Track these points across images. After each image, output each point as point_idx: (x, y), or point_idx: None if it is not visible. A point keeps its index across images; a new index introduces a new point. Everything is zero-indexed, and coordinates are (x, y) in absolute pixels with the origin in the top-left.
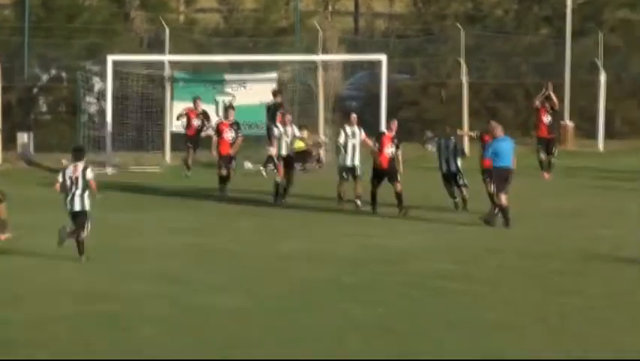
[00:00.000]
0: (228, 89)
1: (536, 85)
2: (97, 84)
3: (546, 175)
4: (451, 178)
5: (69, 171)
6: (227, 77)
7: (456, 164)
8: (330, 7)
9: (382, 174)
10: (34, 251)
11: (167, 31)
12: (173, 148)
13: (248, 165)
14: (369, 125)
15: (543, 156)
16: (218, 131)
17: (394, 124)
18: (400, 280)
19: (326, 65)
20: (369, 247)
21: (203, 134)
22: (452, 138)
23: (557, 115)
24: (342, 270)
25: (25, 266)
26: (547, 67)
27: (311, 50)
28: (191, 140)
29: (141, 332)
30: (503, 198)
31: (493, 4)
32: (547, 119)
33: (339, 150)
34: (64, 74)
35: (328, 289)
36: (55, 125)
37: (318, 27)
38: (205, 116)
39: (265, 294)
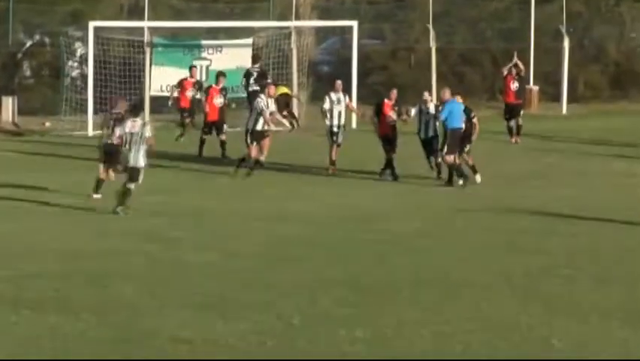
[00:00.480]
0: (205, 54)
1: (502, 50)
2: (79, 49)
3: (514, 139)
4: (428, 143)
5: (128, 126)
6: (204, 42)
7: (435, 128)
8: None
9: (389, 139)
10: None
11: None
12: (152, 111)
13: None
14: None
15: (512, 122)
16: (208, 95)
17: (394, 93)
18: (372, 238)
19: (299, 30)
20: (343, 206)
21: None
22: (431, 102)
23: (523, 80)
24: (315, 229)
25: (14, 229)
26: (513, 32)
27: (285, 16)
28: (185, 110)
29: (121, 288)
30: (451, 158)
31: None
32: (514, 85)
33: (324, 115)
34: (47, 40)
35: (301, 247)
36: (39, 89)
37: None
38: (199, 86)
39: (240, 251)
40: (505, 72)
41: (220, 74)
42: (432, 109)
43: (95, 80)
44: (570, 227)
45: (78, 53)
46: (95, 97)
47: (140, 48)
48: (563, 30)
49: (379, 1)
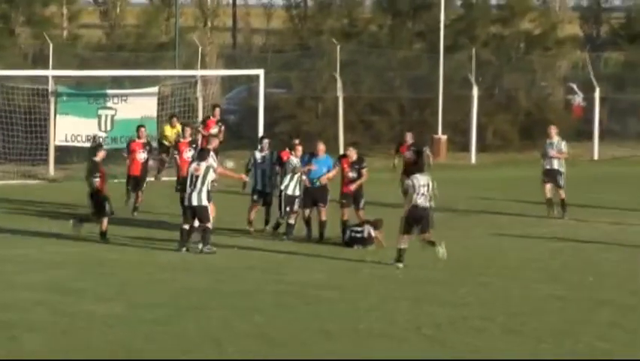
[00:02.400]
0: (110, 104)
1: (410, 99)
2: None
3: None
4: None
5: (191, 169)
6: (110, 91)
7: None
8: (209, 23)
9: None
10: None
11: (51, 46)
12: (57, 161)
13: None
14: (247, 138)
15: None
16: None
17: (352, 152)
18: (277, 288)
19: (205, 79)
20: (247, 256)
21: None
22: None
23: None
24: (220, 279)
25: None
26: (421, 81)
27: (191, 64)
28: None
29: (28, 339)
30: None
31: (368, 20)
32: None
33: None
34: None
35: (207, 298)
36: None
37: (198, 42)
38: (150, 147)
39: (145, 302)
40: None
41: (141, 127)
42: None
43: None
44: (478, 277)
45: None
46: None
47: (44, 97)
48: (472, 79)
49: (286, 49)
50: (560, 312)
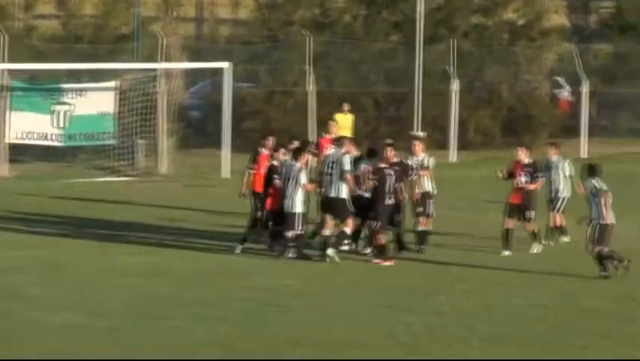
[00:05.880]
0: (66, 99)
1: (386, 93)
2: None
3: None
4: None
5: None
6: (65, 85)
7: None
8: (172, 13)
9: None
10: None
11: (6, 38)
12: (11, 160)
13: None
14: (211, 136)
15: None
16: None
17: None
18: (244, 295)
19: (168, 73)
20: (210, 261)
21: None
22: None
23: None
24: (182, 285)
25: None
26: (398, 74)
27: (152, 57)
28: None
29: None
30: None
31: (341, 10)
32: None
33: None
34: None
35: (168, 306)
36: None
37: (160, 33)
38: None
39: (103, 310)
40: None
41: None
42: None
43: None
44: (459, 284)
45: None
46: None
47: None
48: (452, 72)
49: (254, 41)
50: (544, 320)
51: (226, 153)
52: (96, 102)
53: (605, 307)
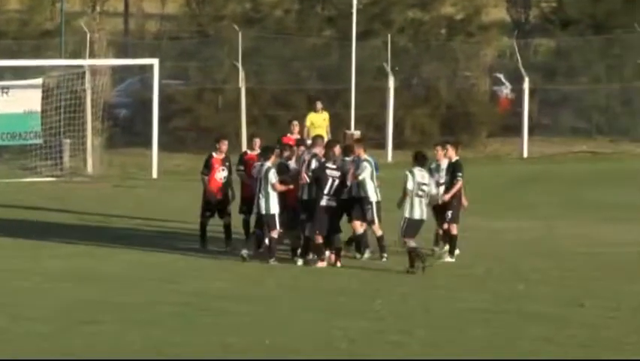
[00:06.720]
0: None
1: (319, 91)
2: None
3: None
4: None
5: (254, 171)
6: None
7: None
8: (98, 8)
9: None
10: None
11: None
12: None
13: None
14: (140, 134)
15: None
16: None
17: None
18: (175, 299)
19: (94, 70)
20: (142, 264)
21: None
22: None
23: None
24: (113, 289)
25: None
26: (331, 71)
27: (78, 53)
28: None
29: None
30: None
31: (273, 5)
32: None
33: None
34: None
35: (98, 311)
36: None
37: (86, 29)
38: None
39: (30, 315)
40: None
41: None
42: None
43: None
44: (397, 287)
45: None
46: None
47: None
48: (388, 68)
49: (182, 36)
50: (487, 325)
51: (155, 152)
52: (21, 100)
53: (548, 311)
